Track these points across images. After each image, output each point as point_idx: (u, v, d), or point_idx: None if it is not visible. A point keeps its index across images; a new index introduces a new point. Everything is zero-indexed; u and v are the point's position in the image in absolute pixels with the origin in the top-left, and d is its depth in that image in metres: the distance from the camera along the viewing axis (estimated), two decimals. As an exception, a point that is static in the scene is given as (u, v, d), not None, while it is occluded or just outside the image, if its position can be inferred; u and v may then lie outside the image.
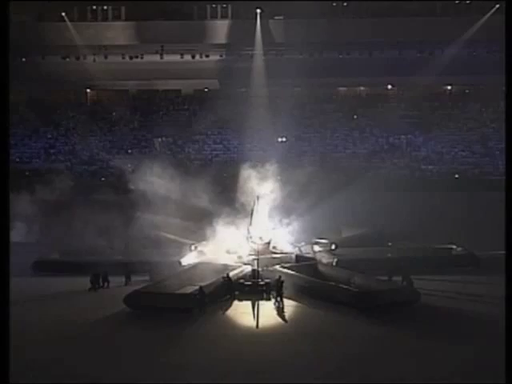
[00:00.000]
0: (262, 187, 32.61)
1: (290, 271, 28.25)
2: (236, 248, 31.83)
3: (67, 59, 49.59)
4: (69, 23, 47.90)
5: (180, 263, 30.72)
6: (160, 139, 49.14)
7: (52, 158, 48.35)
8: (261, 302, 25.90)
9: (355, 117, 51.08)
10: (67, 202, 36.14)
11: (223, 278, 26.82)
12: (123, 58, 49.43)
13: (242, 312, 24.91)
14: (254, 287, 27.24)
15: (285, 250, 32.60)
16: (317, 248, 33.71)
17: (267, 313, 24.63)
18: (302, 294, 26.41)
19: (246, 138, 47.03)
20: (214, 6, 48.79)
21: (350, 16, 48.30)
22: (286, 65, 46.66)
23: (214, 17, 48.88)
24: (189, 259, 31.25)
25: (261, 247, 30.92)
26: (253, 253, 30.68)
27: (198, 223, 33.12)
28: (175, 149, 48.62)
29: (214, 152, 48.82)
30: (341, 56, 48.80)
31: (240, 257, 31.07)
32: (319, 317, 24.12)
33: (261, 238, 31.88)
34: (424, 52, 48.39)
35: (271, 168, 33.40)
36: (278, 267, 28.82)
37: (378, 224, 35.82)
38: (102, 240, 30.77)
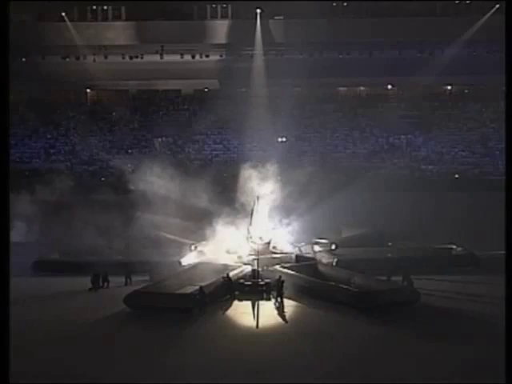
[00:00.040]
0: (262, 187, 32.63)
1: (290, 271, 28.26)
2: (236, 248, 31.84)
3: (67, 59, 49.51)
4: (69, 23, 47.84)
5: (180, 263, 30.74)
6: (160, 139, 49.05)
7: (52, 158, 48.25)
8: (261, 302, 25.92)
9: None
10: (67, 202, 36.09)
11: (223, 278, 26.82)
12: (123, 58, 49.37)
13: (241, 312, 24.93)
14: (254, 287, 27.26)
15: (285, 250, 32.62)
16: (317, 248, 33.74)
17: (267, 313, 24.65)
18: (302, 294, 26.42)
19: (246, 138, 46.94)
20: (213, 6, 48.74)
21: (350, 16, 48.24)
22: (285, 65, 46.62)
23: (213, 17, 48.83)
24: (189, 259, 31.27)
25: (261, 247, 30.93)
26: (253, 253, 30.70)
27: (198, 223, 33.11)
28: (175, 149, 48.53)
29: (214, 152, 48.73)
30: (341, 56, 48.73)
31: (240, 257, 31.08)
32: (319, 317, 24.13)
33: (261, 238, 31.91)
34: (424, 52, 48.29)
35: (271, 168, 33.41)
36: (278, 267, 28.84)
37: (378, 224, 35.76)
38: (102, 240, 30.77)
